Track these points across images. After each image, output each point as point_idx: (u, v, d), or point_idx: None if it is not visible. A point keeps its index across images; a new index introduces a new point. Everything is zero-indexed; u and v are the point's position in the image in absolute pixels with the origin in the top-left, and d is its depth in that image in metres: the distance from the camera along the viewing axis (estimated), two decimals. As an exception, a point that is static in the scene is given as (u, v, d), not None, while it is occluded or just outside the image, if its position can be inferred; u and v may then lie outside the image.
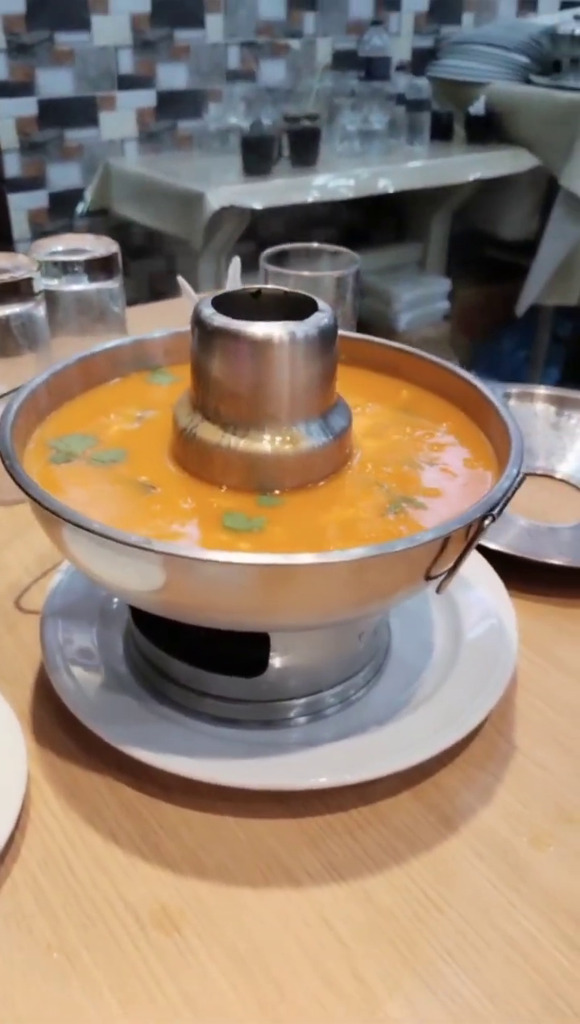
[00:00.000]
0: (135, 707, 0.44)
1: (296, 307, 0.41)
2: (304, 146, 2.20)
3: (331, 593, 0.36)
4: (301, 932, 0.37)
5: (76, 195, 2.19)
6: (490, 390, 0.46)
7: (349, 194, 2.14)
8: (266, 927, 0.37)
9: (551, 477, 0.70)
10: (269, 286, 0.43)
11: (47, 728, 0.46)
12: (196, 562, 0.33)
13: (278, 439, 0.40)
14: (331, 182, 2.12)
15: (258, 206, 1.96)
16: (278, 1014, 0.34)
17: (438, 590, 0.39)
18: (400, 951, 0.36)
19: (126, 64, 2.18)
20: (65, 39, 2.05)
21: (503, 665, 0.47)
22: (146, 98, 2.25)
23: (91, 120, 2.16)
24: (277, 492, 0.40)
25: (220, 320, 0.39)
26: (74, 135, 2.15)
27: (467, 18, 2.89)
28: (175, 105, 2.30)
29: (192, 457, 0.41)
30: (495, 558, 0.55)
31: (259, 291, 0.43)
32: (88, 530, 0.34)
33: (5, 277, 0.57)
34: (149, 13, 2.16)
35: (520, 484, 0.39)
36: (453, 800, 0.43)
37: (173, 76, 2.27)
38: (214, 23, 2.29)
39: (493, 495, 0.37)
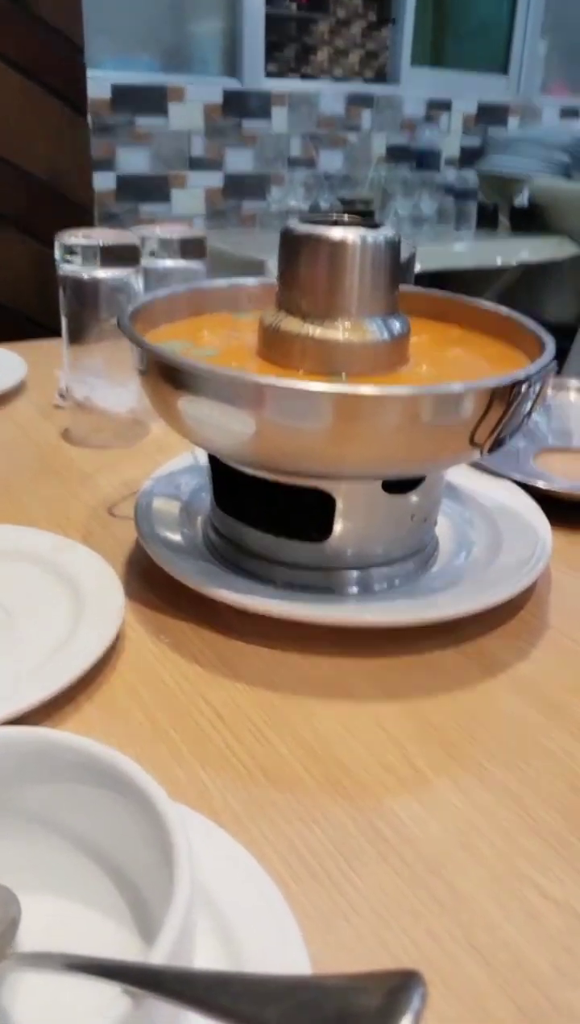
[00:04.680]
0: (216, 571, 0.51)
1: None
2: (358, 225, 2.36)
3: (389, 434, 0.43)
4: (362, 734, 0.42)
5: (145, 263, 2.37)
6: (528, 319, 0.54)
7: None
8: (331, 728, 0.43)
9: (585, 451, 0.76)
10: (345, 216, 0.51)
11: (138, 592, 0.52)
12: (286, 391, 0.41)
13: (349, 329, 0.48)
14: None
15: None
16: (345, 788, 0.39)
17: (482, 453, 0.46)
18: (449, 752, 0.42)
19: (198, 148, 2.38)
20: (144, 122, 2.26)
21: (537, 559, 0.53)
22: (214, 179, 2.44)
23: (164, 196, 2.36)
24: (345, 375, 0.48)
25: (305, 228, 0.47)
26: (148, 209, 2.34)
27: (513, 121, 3.10)
28: (240, 187, 2.49)
29: (275, 347, 0.49)
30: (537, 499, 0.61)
31: (336, 221, 0.51)
32: (201, 372, 0.42)
33: (112, 241, 0.67)
34: (221, 103, 2.37)
35: (551, 372, 0.46)
36: (494, 656, 0.48)
37: (240, 161, 2.47)
38: (279, 115, 2.50)
39: (530, 368, 0.45)
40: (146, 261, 0.74)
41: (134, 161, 2.27)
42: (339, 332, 0.48)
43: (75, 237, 0.67)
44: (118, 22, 2.25)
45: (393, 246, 0.48)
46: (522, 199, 2.78)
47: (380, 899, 0.34)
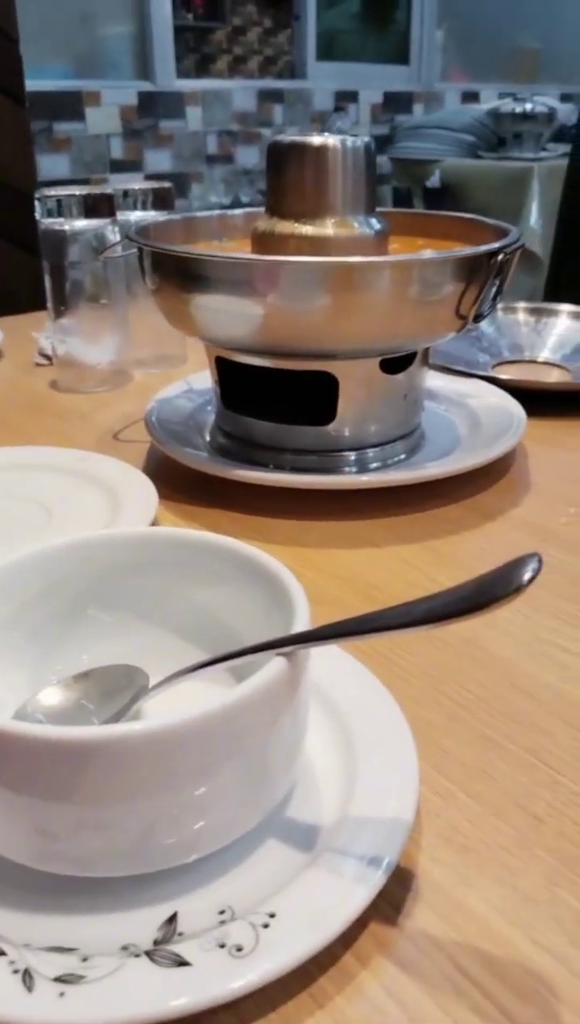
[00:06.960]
0: (231, 464, 0.56)
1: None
2: (281, 214, 2.42)
3: (384, 305, 0.48)
4: (386, 565, 0.48)
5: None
6: (488, 219, 0.60)
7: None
8: (359, 565, 0.48)
9: (534, 362, 0.83)
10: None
11: (161, 492, 0.56)
12: (284, 264, 0.46)
13: (337, 224, 0.53)
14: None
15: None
16: (377, 599, 0.44)
17: (467, 323, 0.52)
18: (465, 570, 0.46)
19: (117, 150, 2.42)
20: (62, 128, 2.29)
21: (516, 427, 0.59)
22: (135, 180, 2.48)
23: (88, 199, 2.39)
24: (338, 269, 0.53)
25: (290, 138, 0.53)
26: (73, 212, 2.36)
27: (417, 108, 3.21)
28: (162, 186, 2.54)
29: (271, 249, 0.54)
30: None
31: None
32: (210, 257, 0.47)
33: (95, 191, 0.71)
34: (136, 105, 2.41)
35: (519, 247, 0.52)
36: (490, 507, 0.54)
37: (159, 160, 2.52)
38: (194, 114, 2.55)
39: (504, 240, 0.51)
40: (119, 215, 0.78)
41: (54, 167, 2.29)
42: (329, 228, 0.53)
43: (54, 191, 0.71)
44: (27, 31, 2.27)
45: (370, 150, 0.54)
46: (434, 180, 2.88)
47: (426, 667, 0.39)
